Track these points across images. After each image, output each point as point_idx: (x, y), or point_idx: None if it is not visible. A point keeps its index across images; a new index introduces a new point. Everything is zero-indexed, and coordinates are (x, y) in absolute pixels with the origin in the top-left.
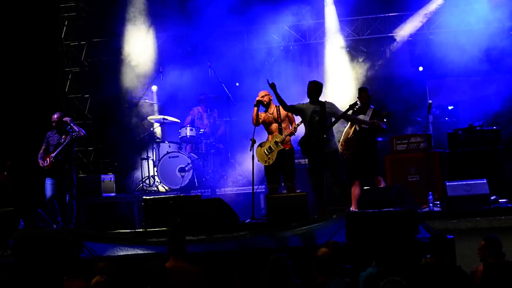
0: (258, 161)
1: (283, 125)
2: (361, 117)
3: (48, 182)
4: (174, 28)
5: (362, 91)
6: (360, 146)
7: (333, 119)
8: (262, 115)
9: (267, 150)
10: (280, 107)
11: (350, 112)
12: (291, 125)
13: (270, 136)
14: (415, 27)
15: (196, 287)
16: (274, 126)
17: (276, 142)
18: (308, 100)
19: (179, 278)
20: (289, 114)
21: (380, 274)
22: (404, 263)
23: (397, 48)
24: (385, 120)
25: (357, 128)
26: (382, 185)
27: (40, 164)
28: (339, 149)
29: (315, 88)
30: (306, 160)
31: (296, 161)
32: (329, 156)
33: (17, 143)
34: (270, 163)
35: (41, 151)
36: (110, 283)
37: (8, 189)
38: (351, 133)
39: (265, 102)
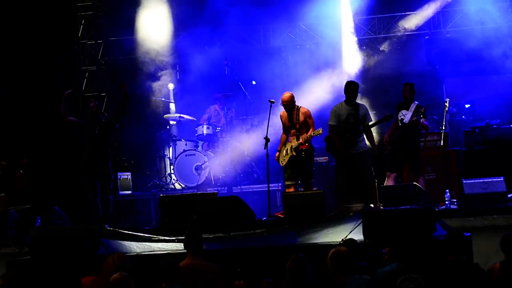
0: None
1: (301, 131)
2: (403, 112)
3: (87, 181)
4: (191, 26)
5: (407, 85)
6: (401, 143)
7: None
8: (284, 114)
9: (285, 152)
10: (300, 111)
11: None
12: (309, 130)
13: (290, 138)
14: (422, 20)
15: (214, 284)
16: (293, 131)
17: (291, 147)
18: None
19: (196, 275)
20: (308, 120)
21: (399, 271)
22: (422, 260)
23: (414, 46)
24: (422, 117)
25: (400, 124)
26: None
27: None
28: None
29: (353, 89)
30: (325, 158)
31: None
32: (359, 155)
33: (34, 141)
34: (283, 164)
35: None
36: (130, 279)
37: (25, 186)
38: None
39: (287, 108)
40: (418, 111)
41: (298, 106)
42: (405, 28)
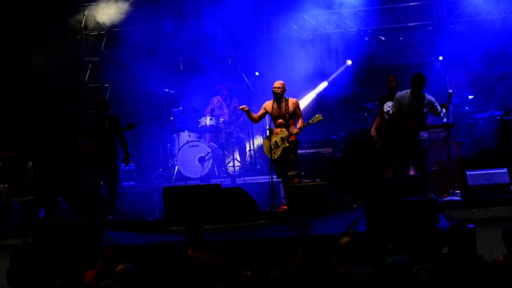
0: (264, 153)
1: (290, 121)
2: (388, 103)
3: (94, 173)
4: (194, 17)
5: (390, 76)
6: (392, 136)
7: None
8: (269, 104)
9: (273, 145)
10: (289, 101)
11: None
12: (298, 120)
13: (277, 129)
14: None
15: (216, 275)
16: (281, 121)
17: (282, 138)
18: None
19: (198, 267)
20: (297, 111)
21: (413, 261)
22: (431, 251)
23: (417, 37)
24: None
25: (386, 117)
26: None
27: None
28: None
29: (419, 80)
30: (328, 149)
31: (315, 150)
32: (418, 144)
33: (38, 132)
34: (275, 157)
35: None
36: (134, 270)
37: (28, 177)
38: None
39: (278, 94)
40: None
41: (286, 97)
42: None
